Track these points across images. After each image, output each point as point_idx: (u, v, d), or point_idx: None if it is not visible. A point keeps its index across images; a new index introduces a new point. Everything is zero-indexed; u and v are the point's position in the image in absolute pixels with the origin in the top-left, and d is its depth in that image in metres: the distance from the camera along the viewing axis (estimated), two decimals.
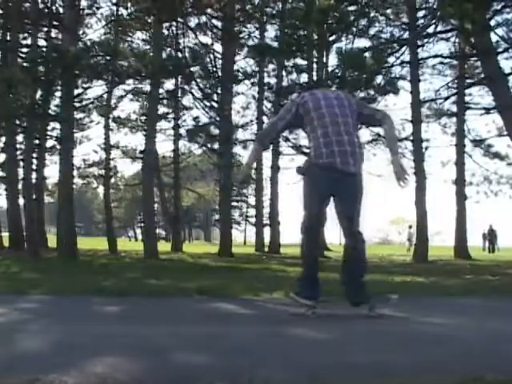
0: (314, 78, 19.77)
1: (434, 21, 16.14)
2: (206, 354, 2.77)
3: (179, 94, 21.37)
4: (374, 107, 4.25)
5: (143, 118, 22.22)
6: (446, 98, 19.57)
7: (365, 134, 19.66)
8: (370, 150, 22.27)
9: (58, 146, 17.14)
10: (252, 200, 44.06)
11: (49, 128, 19.69)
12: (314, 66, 20.06)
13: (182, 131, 22.98)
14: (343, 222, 4.09)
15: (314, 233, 4.14)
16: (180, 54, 19.67)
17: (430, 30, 16.62)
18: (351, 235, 4.08)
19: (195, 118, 21.30)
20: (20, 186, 17.48)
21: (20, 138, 18.20)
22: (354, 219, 4.04)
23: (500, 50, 15.31)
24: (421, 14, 16.68)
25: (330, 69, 19.77)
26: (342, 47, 17.36)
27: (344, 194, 4.02)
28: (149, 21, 18.24)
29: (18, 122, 15.01)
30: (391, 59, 16.71)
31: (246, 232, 56.35)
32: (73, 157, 14.78)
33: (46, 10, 17.60)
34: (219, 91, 19.21)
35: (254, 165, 6.22)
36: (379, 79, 16.83)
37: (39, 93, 15.11)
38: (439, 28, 16.63)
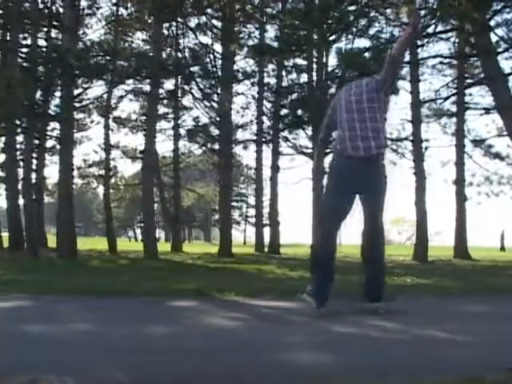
0: (314, 77, 19.79)
1: (433, 21, 16.12)
2: (205, 354, 2.77)
3: (179, 94, 21.38)
4: (385, 67, 4.18)
5: (143, 118, 22.24)
6: (446, 98, 19.57)
7: None
8: None
9: (58, 146, 17.12)
10: (252, 200, 44.16)
11: (49, 128, 19.69)
12: (314, 66, 20.06)
13: (182, 131, 23.02)
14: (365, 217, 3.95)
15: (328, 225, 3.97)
16: (180, 54, 19.69)
17: (430, 30, 16.61)
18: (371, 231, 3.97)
19: (195, 118, 21.33)
20: (20, 186, 17.47)
21: (20, 138, 18.21)
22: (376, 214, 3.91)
23: (500, 49, 15.30)
24: (421, 13, 16.64)
25: (330, 69, 19.78)
26: (342, 47, 17.36)
27: (365, 187, 3.88)
28: (149, 21, 18.26)
29: (18, 121, 15.00)
30: None
31: (246, 232, 56.41)
32: (73, 157, 14.79)
33: (46, 10, 17.62)
34: (219, 91, 19.20)
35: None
36: None
37: (39, 93, 15.11)
38: (439, 28, 16.61)
